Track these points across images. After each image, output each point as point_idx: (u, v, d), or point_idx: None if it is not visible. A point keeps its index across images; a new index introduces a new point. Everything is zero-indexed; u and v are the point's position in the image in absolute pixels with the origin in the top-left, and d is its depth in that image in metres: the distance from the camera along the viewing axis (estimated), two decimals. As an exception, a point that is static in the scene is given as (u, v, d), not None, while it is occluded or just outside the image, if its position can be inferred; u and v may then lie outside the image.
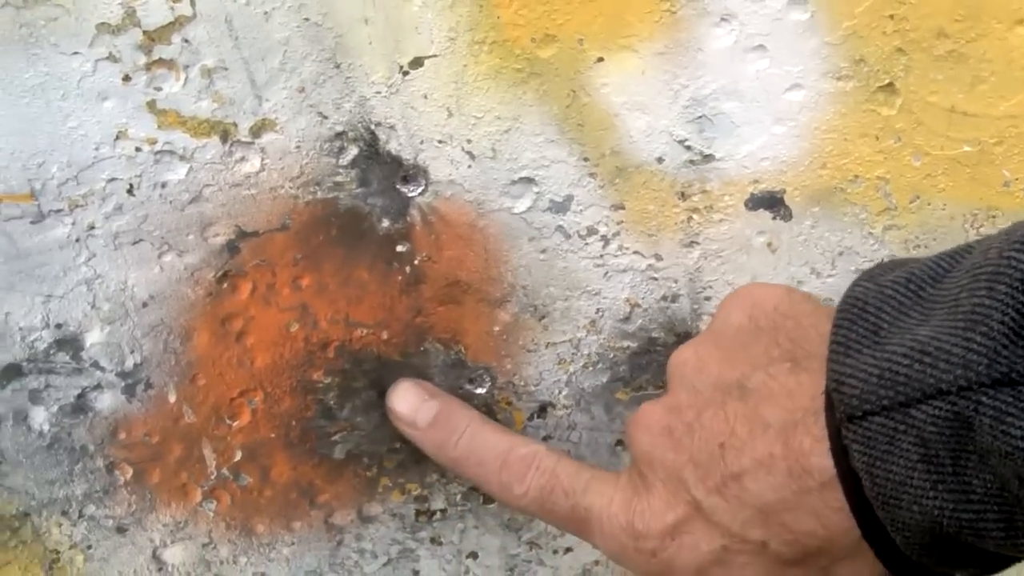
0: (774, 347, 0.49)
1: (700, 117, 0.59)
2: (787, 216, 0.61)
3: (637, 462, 0.52)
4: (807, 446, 0.44)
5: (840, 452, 0.43)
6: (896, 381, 0.40)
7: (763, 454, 0.46)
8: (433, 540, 0.67)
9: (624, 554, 0.52)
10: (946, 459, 0.39)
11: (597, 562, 0.69)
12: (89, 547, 0.62)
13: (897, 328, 0.42)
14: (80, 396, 0.59)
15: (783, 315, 0.50)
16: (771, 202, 0.61)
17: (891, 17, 0.57)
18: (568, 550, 0.68)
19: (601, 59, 0.57)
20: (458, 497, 0.66)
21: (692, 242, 0.62)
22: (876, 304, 0.44)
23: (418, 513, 0.66)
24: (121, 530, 0.62)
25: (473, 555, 0.68)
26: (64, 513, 0.61)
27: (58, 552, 0.62)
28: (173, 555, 0.64)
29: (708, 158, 0.60)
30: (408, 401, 0.61)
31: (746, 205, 0.61)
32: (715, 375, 0.50)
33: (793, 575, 0.47)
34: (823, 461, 0.44)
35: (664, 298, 0.63)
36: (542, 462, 0.55)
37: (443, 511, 0.66)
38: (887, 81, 0.58)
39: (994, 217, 0.61)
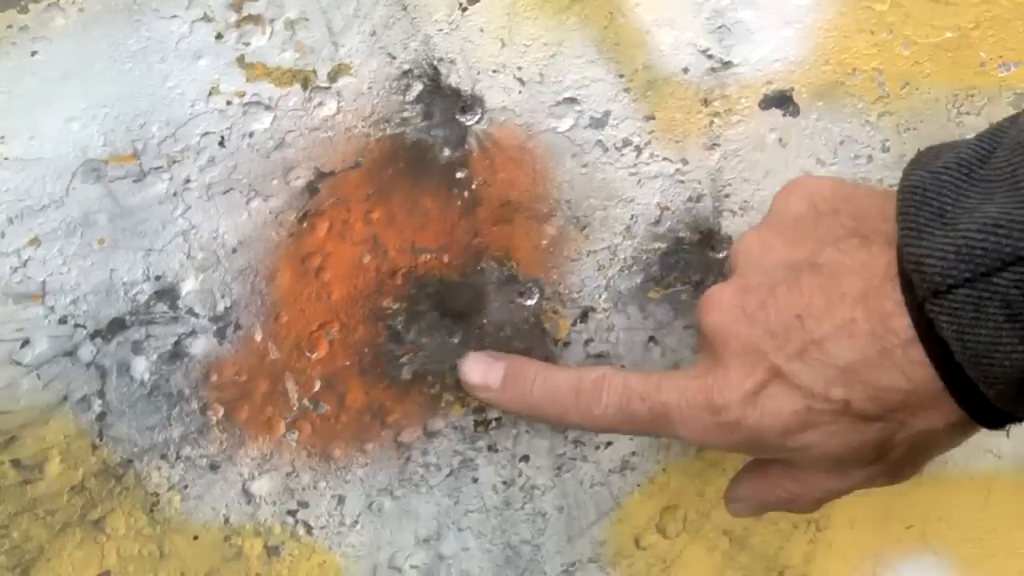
0: (838, 227, 0.52)
1: (720, 27, 0.64)
2: (795, 112, 0.67)
3: (710, 342, 0.54)
4: (888, 308, 0.47)
5: (924, 325, 0.46)
6: (974, 255, 0.43)
7: (844, 319, 0.49)
8: (490, 448, 0.71)
9: (708, 434, 0.54)
10: None
11: (634, 453, 0.74)
12: (185, 487, 0.66)
13: (962, 208, 0.46)
14: (177, 343, 0.63)
15: (842, 199, 0.54)
16: (781, 100, 0.67)
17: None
18: (608, 444, 0.73)
19: (633, -19, 0.63)
20: (512, 405, 0.70)
21: (714, 144, 0.67)
22: (935, 189, 0.46)
23: (476, 424, 0.70)
24: (214, 467, 0.66)
25: (525, 458, 0.72)
26: (163, 456, 0.64)
27: (158, 495, 0.65)
28: (260, 486, 0.67)
29: (727, 64, 0.65)
30: (477, 370, 0.65)
31: (760, 105, 0.67)
32: (783, 255, 0.53)
33: (873, 429, 0.50)
34: (905, 321, 0.47)
35: (690, 199, 0.68)
36: (611, 380, 0.58)
37: (498, 419, 0.71)
38: (879, -20, 0.65)
39: (972, 96, 0.68)
